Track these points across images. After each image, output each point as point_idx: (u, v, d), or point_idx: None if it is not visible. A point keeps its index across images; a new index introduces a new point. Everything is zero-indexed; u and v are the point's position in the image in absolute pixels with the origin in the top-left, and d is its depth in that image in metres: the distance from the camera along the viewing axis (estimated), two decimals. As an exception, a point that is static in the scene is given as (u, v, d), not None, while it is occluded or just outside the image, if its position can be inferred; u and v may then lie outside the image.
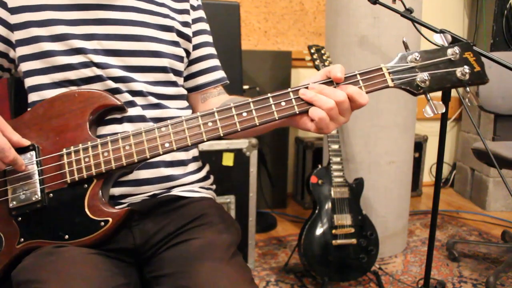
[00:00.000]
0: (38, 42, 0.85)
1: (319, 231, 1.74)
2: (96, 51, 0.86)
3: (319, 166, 1.82)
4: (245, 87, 2.32)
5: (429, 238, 1.39)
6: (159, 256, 0.84)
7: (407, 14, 1.35)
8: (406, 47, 0.76)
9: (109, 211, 0.77)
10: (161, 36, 0.93)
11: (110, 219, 0.77)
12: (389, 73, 0.74)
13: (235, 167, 1.86)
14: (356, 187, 1.82)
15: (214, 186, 1.04)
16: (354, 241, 1.75)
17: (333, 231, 1.73)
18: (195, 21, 1.01)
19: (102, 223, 0.77)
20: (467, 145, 3.08)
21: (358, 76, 0.74)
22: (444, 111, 0.74)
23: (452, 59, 0.74)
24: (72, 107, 0.81)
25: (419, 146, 3.02)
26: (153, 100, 0.90)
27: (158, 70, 0.92)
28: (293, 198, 3.05)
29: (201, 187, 0.97)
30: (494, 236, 2.41)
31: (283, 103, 0.74)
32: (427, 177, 3.37)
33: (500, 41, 2.78)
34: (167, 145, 0.75)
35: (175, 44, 0.95)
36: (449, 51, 0.74)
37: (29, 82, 0.88)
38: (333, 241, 1.73)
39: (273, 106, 0.74)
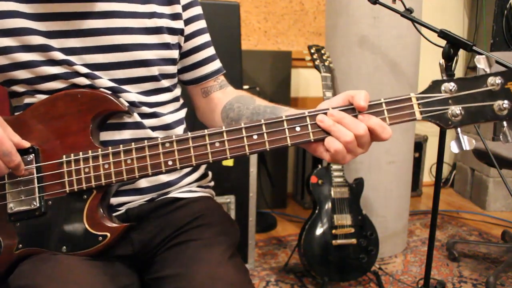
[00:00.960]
0: (8, 53, 0.78)
1: (319, 231, 1.74)
2: (80, 65, 0.80)
3: (319, 166, 1.82)
4: (245, 87, 2.32)
5: (429, 238, 1.39)
6: (157, 258, 0.84)
7: (407, 14, 1.35)
8: (442, 71, 0.69)
9: (108, 226, 0.76)
10: (148, 40, 0.84)
11: (109, 235, 0.75)
12: (419, 104, 0.67)
13: (235, 167, 1.86)
14: (356, 187, 1.82)
15: (212, 183, 1.02)
16: (354, 241, 1.75)
17: (333, 231, 1.73)
18: (186, 7, 0.92)
19: (100, 238, 0.75)
20: (467, 145, 3.07)
21: (383, 105, 0.68)
22: (474, 147, 0.67)
23: (492, 90, 0.65)
24: (74, 109, 0.78)
25: (419, 146, 3.02)
26: (147, 110, 0.86)
27: (148, 79, 0.86)
28: (293, 198, 3.05)
29: (199, 186, 0.96)
30: (494, 236, 2.41)
31: (297, 128, 0.69)
32: (427, 177, 3.36)
33: (500, 41, 2.78)
34: (170, 163, 0.72)
35: (165, 46, 0.87)
36: (490, 80, 0.65)
37: (12, 89, 0.83)
38: (333, 241, 1.73)
39: (286, 130, 0.69)
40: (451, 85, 0.66)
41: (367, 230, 1.78)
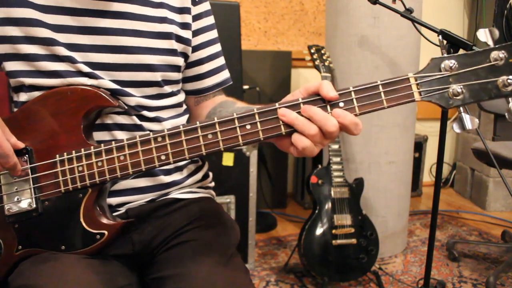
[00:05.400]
0: (11, 43, 0.77)
1: (319, 231, 1.74)
2: (84, 63, 0.79)
3: (319, 166, 1.82)
4: (245, 87, 2.32)
5: (429, 238, 1.39)
6: (158, 258, 0.84)
7: (407, 14, 1.35)
8: (442, 48, 0.66)
9: (105, 223, 0.75)
10: (156, 45, 0.84)
11: (106, 232, 0.75)
12: (417, 84, 0.63)
13: (235, 167, 1.86)
14: (356, 187, 1.82)
15: (213, 184, 1.02)
16: (354, 241, 1.75)
17: (333, 231, 1.73)
18: (196, 18, 0.91)
19: (98, 236, 0.75)
20: (467, 145, 3.08)
21: (380, 87, 0.65)
22: (477, 126, 0.63)
23: (496, 65, 0.61)
24: (66, 107, 0.77)
25: (419, 146, 3.02)
26: (148, 114, 0.85)
27: (151, 84, 0.85)
28: (293, 198, 3.05)
29: (199, 187, 0.96)
30: (494, 236, 2.41)
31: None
32: (427, 177, 3.36)
33: (500, 41, 2.78)
34: (163, 157, 0.71)
35: (172, 52, 0.86)
36: (493, 54, 0.61)
37: (13, 82, 0.82)
38: (333, 241, 1.73)
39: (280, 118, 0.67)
40: (452, 63, 0.62)
41: (367, 230, 1.78)
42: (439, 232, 2.48)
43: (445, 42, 1.18)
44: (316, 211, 1.76)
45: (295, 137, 0.66)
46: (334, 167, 1.79)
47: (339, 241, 1.73)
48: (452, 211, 2.84)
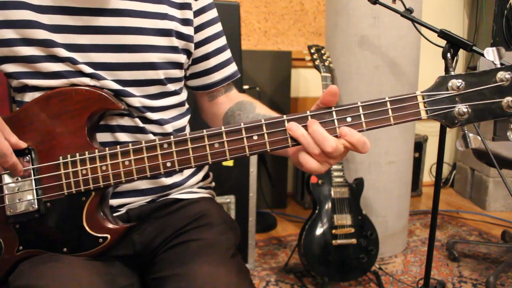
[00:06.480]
0: (9, 46, 0.76)
1: (319, 231, 1.74)
2: (85, 64, 0.78)
3: (319, 166, 1.81)
4: (245, 87, 2.32)
5: (429, 238, 1.39)
6: (158, 258, 0.84)
7: (407, 14, 1.35)
8: (450, 65, 0.67)
9: (108, 227, 0.75)
10: (157, 42, 0.82)
11: (109, 236, 0.75)
12: (425, 103, 0.64)
13: (235, 167, 1.86)
14: (356, 187, 1.82)
15: (213, 184, 1.02)
16: (354, 241, 1.75)
17: (333, 231, 1.73)
18: (199, 12, 0.89)
19: (101, 240, 0.75)
20: (467, 145, 3.08)
21: (388, 104, 0.65)
22: (479, 145, 0.65)
23: (502, 85, 0.62)
24: (69, 108, 0.75)
25: (419, 146, 3.02)
26: (152, 116, 0.84)
27: (153, 83, 0.84)
28: (293, 198, 3.05)
29: (199, 187, 0.96)
30: (494, 236, 2.41)
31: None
32: (427, 177, 3.36)
33: (500, 41, 2.78)
34: (168, 164, 0.71)
35: (173, 50, 0.85)
36: (499, 75, 0.62)
37: (16, 84, 0.81)
38: (333, 241, 1.73)
39: (287, 131, 0.67)
40: (459, 82, 0.63)
41: (367, 230, 1.78)
42: (439, 232, 2.48)
43: (445, 42, 1.18)
44: (316, 211, 1.76)
45: (302, 157, 0.66)
46: (334, 167, 1.79)
47: (339, 241, 1.73)
48: (452, 211, 2.84)
